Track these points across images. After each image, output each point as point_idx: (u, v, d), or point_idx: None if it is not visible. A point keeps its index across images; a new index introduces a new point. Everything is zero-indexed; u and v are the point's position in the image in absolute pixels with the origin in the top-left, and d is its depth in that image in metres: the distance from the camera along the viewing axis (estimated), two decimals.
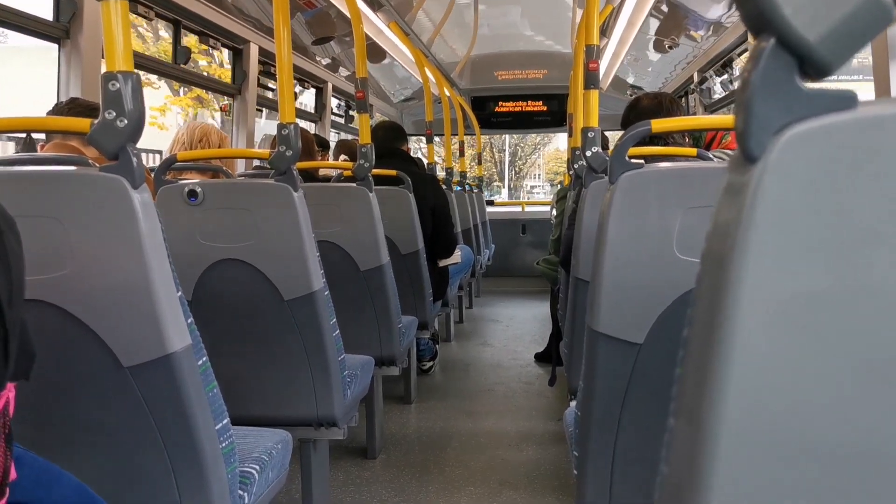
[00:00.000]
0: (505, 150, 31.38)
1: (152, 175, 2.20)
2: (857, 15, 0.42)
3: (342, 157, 4.46)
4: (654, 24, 5.27)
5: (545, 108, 8.52)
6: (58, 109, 2.10)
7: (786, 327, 0.44)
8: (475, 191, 7.35)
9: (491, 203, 8.93)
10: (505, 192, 30.95)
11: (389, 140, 3.86)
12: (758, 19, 0.44)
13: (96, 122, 1.20)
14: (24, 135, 2.11)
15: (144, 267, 1.23)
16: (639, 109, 2.37)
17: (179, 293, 1.31)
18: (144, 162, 1.63)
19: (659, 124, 1.51)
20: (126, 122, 1.19)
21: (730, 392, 0.45)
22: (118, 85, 1.18)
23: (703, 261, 0.49)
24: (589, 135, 2.02)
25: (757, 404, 0.45)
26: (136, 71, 1.21)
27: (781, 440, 0.45)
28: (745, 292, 0.44)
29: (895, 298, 0.43)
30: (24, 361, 0.92)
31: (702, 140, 3.12)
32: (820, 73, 0.43)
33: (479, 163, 8.86)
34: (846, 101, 0.44)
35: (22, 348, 0.89)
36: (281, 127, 2.01)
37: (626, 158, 1.46)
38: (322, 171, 3.97)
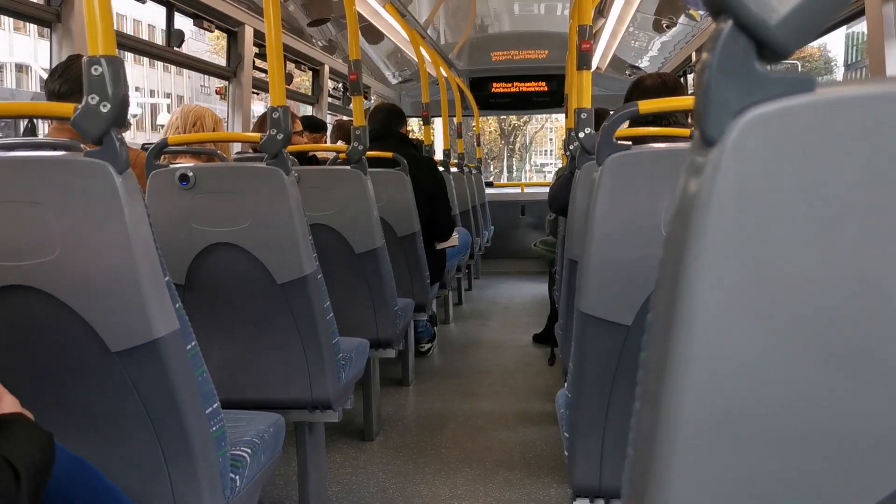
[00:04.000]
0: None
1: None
2: None
3: (339, 140, 4.45)
4: (653, 3, 5.23)
5: (546, 89, 8.49)
6: (51, 80, 2.07)
7: (744, 311, 0.44)
8: (474, 172, 7.34)
9: (490, 185, 8.92)
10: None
11: (388, 122, 3.85)
12: (716, 1, 0.43)
13: (80, 107, 1.20)
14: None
15: (129, 252, 1.23)
16: (642, 89, 2.34)
17: (167, 278, 1.31)
18: None
19: (646, 105, 1.50)
20: (109, 106, 1.19)
21: (689, 376, 0.45)
22: (101, 70, 1.18)
23: (665, 244, 0.49)
24: (582, 116, 2.01)
25: (716, 388, 0.45)
26: (118, 55, 1.20)
27: (741, 423, 0.45)
28: (702, 275, 0.44)
29: (853, 281, 0.43)
30: None
31: None
32: (777, 55, 0.43)
33: (478, 144, 8.83)
34: (805, 83, 0.43)
35: None
36: (271, 110, 2.00)
37: (614, 140, 1.46)
38: (320, 154, 3.96)
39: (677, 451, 0.46)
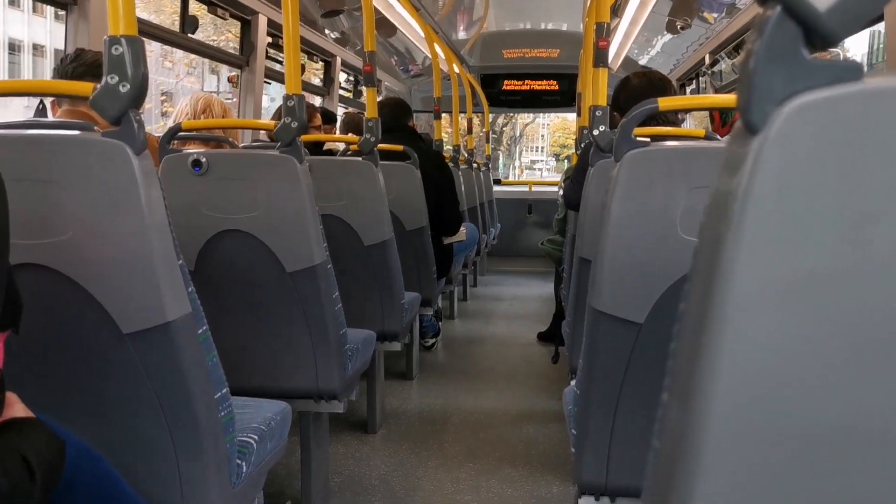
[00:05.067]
0: None
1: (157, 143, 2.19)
2: None
3: (349, 132, 4.44)
4: (667, 4, 5.22)
5: (556, 87, 8.47)
6: (62, 65, 2.07)
7: (780, 303, 0.44)
8: (482, 169, 7.33)
9: (498, 182, 8.91)
10: None
11: (396, 116, 3.85)
12: None
13: (99, 86, 1.19)
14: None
15: (144, 234, 1.22)
16: (629, 89, 2.35)
17: (181, 262, 1.30)
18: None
19: (666, 102, 1.49)
20: (128, 87, 1.18)
21: (721, 370, 0.45)
22: (121, 49, 1.17)
23: (701, 235, 0.49)
24: (597, 113, 2.01)
25: (749, 383, 0.45)
26: (139, 36, 1.20)
27: (772, 419, 0.45)
28: (740, 266, 0.43)
29: (894, 277, 0.42)
30: (12, 312, 0.93)
31: (730, 117, 3.07)
32: (826, 43, 0.42)
33: (488, 141, 8.83)
34: (851, 72, 0.43)
35: (9, 298, 0.90)
36: (286, 98, 2.00)
37: (633, 137, 1.45)
38: (329, 145, 3.95)
39: (707, 444, 0.46)
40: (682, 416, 0.47)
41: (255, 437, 1.56)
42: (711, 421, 0.45)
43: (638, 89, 2.31)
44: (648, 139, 1.50)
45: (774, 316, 0.44)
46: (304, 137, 2.15)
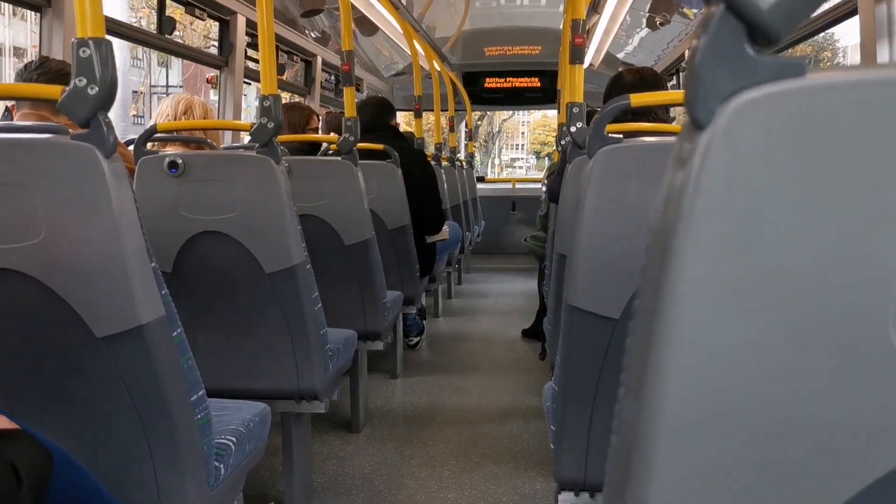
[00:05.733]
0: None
1: (131, 147, 2.18)
2: None
3: (330, 132, 4.43)
4: (647, 1, 5.24)
5: (538, 84, 8.49)
6: (27, 71, 2.05)
7: (729, 299, 0.44)
8: (465, 167, 7.33)
9: (481, 179, 8.92)
10: None
11: (378, 115, 3.85)
12: None
13: (67, 89, 1.19)
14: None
15: (116, 237, 1.22)
16: (621, 85, 2.35)
17: (153, 264, 1.29)
18: None
19: (638, 99, 1.50)
20: (97, 89, 1.18)
21: (672, 364, 0.45)
22: (89, 52, 1.17)
23: (653, 231, 0.49)
24: (574, 110, 2.01)
25: (699, 377, 0.45)
26: (108, 38, 1.19)
27: (724, 412, 0.45)
28: (689, 262, 0.44)
29: (841, 270, 0.43)
30: None
31: None
32: (769, 40, 0.42)
33: (471, 139, 8.83)
34: (796, 68, 0.43)
35: None
36: (262, 99, 1.99)
37: (605, 133, 1.46)
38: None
39: (659, 439, 0.46)
40: (636, 411, 0.48)
41: (234, 439, 1.55)
42: (664, 415, 0.46)
43: (629, 86, 2.31)
44: (621, 136, 1.51)
45: (724, 310, 0.44)
46: (282, 138, 2.14)
